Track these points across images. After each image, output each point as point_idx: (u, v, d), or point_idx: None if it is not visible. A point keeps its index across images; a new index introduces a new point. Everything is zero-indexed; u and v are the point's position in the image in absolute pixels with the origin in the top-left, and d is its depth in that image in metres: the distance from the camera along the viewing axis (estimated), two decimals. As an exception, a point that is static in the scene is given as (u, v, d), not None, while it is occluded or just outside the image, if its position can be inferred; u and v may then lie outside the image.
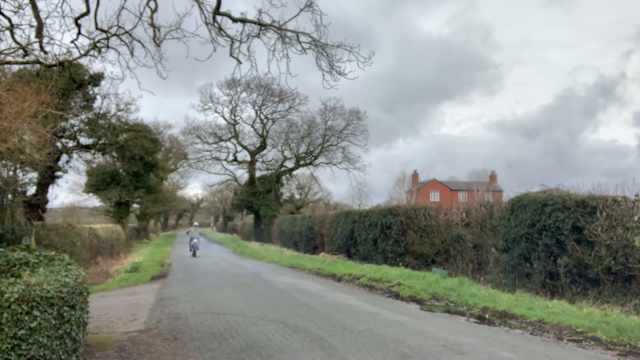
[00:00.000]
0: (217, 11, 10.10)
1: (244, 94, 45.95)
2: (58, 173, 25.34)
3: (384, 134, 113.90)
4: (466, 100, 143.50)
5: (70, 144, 27.33)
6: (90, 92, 26.25)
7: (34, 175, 22.86)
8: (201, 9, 10.13)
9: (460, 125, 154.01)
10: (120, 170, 35.27)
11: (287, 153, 48.30)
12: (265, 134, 47.49)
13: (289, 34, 10.43)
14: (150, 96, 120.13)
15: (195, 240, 29.57)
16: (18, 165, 17.54)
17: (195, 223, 34.92)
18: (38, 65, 13.36)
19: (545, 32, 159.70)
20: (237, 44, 10.57)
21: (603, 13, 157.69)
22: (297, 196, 54.95)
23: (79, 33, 10.83)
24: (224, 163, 49.68)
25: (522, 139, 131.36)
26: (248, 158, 47.97)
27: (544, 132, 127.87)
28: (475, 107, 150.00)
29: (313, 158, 47.74)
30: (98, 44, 10.94)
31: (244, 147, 48.13)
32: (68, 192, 49.63)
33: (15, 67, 17.34)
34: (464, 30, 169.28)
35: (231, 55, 10.68)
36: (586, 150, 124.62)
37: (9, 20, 10.64)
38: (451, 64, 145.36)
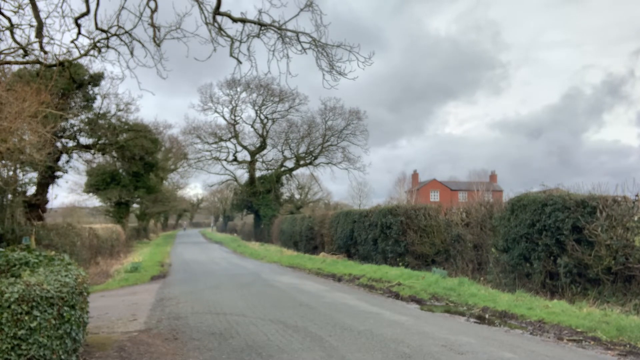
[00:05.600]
0: (217, 11, 10.10)
1: (244, 94, 45.93)
2: (58, 173, 25.31)
3: (388, 133, 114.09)
4: (472, 100, 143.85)
5: (70, 144, 27.30)
6: (90, 92, 26.22)
7: (34, 175, 22.83)
8: (201, 9, 10.14)
9: (463, 125, 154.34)
10: (120, 170, 35.25)
11: (287, 153, 48.30)
12: (265, 134, 47.46)
13: (289, 33, 10.43)
14: (155, 96, 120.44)
15: (184, 229, 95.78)
16: (18, 165, 17.51)
17: (184, 223, 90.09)
18: (38, 65, 13.36)
19: (554, 31, 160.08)
20: (237, 44, 10.58)
21: (613, 11, 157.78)
22: (297, 196, 54.92)
23: (79, 33, 10.83)
24: (224, 163, 49.66)
25: (525, 138, 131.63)
26: (248, 158, 47.93)
27: (547, 131, 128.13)
28: (480, 106, 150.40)
29: (313, 158, 47.71)
30: (98, 44, 10.94)
31: (244, 147, 48.10)
32: (68, 192, 49.64)
33: (15, 67, 17.33)
34: (473, 29, 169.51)
35: (231, 55, 10.68)
36: (589, 150, 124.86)
37: (9, 20, 10.63)
38: (458, 63, 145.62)
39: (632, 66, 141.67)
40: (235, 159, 48.90)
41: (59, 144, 25.60)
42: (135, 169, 33.56)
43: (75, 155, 28.32)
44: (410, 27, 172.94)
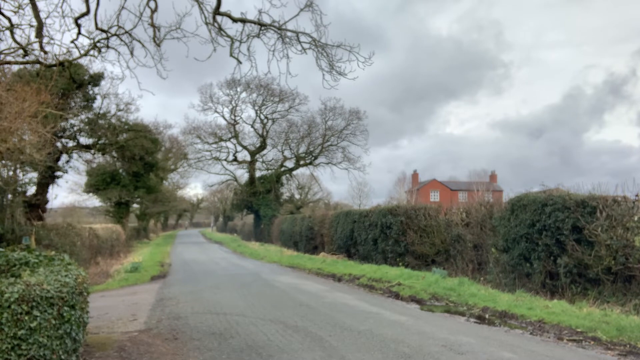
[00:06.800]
0: (217, 11, 10.10)
1: (244, 94, 45.94)
2: (58, 173, 25.31)
3: (389, 133, 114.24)
4: (473, 100, 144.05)
5: (70, 144, 27.32)
6: (90, 92, 26.24)
7: (34, 175, 22.84)
8: (201, 9, 10.13)
9: (464, 125, 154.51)
10: (120, 170, 35.25)
11: (287, 153, 48.31)
12: (265, 134, 47.46)
13: (289, 34, 10.42)
14: (155, 96, 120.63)
15: (185, 228, 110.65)
16: (18, 165, 17.52)
17: (186, 223, 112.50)
18: (38, 65, 13.36)
19: (555, 31, 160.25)
20: (237, 44, 10.57)
21: (613, 12, 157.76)
22: (297, 196, 54.94)
23: (79, 33, 10.82)
24: (224, 163, 49.67)
25: (526, 138, 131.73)
26: (248, 158, 47.93)
27: (548, 131, 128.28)
28: (481, 106, 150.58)
29: (313, 158, 47.71)
30: (98, 44, 10.93)
31: (244, 147, 48.10)
32: (68, 192, 49.53)
33: (15, 67, 17.33)
34: (475, 29, 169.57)
35: (231, 55, 10.67)
36: (589, 150, 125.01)
37: (9, 20, 10.62)
38: (460, 63, 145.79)
39: (633, 66, 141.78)
40: (235, 159, 48.92)
41: (59, 144, 25.59)
42: (135, 169, 33.57)
43: (75, 155, 28.35)
44: (413, 27, 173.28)
